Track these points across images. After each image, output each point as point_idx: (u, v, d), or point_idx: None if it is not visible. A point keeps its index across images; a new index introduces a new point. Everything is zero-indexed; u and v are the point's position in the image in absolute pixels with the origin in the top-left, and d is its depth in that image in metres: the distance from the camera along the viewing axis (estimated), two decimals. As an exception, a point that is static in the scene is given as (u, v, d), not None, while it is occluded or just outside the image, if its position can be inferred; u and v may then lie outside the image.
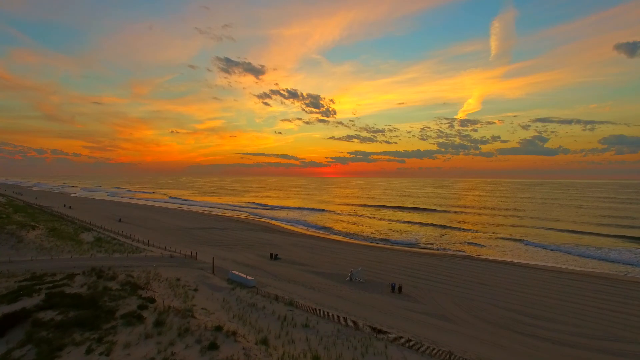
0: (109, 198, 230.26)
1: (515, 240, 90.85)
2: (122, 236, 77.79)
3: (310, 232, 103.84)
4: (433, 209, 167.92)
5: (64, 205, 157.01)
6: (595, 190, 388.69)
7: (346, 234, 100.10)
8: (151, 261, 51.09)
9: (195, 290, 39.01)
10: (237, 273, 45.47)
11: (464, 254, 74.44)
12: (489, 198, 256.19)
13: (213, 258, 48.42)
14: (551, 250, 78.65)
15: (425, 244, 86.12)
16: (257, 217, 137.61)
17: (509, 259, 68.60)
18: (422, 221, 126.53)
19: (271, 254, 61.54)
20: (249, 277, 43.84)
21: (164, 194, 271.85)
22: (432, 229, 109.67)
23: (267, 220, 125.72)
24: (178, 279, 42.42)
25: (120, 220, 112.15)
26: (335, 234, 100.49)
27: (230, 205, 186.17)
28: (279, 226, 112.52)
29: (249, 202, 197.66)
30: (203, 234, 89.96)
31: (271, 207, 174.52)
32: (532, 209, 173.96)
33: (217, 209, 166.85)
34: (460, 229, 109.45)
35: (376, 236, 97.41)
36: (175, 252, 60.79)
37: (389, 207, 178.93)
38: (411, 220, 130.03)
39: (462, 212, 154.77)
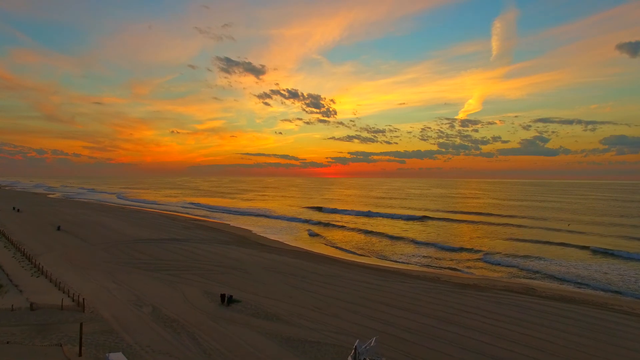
0: (78, 199, 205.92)
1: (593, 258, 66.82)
2: (22, 257, 53.81)
3: (296, 244, 79.86)
4: (443, 217, 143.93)
5: (13, 208, 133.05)
6: (615, 191, 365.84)
7: (343, 248, 76.13)
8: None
9: None
10: (116, 364, 21.37)
11: (521, 284, 50.40)
12: (501, 201, 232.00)
13: (81, 325, 24.33)
14: None
15: (452, 265, 62.29)
16: (234, 224, 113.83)
17: (606, 297, 44.55)
18: (434, 229, 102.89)
19: (222, 296, 37.32)
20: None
21: (111, 194, 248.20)
22: (447, 240, 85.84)
23: (245, 228, 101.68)
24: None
25: (59, 229, 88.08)
26: (329, 248, 76.61)
27: (210, 208, 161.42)
28: (257, 236, 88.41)
29: (236, 207, 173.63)
30: (151, 249, 65.87)
31: (251, 212, 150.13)
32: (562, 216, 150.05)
33: (192, 211, 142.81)
34: (476, 251, 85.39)
35: (382, 250, 73.47)
36: (67, 291, 36.78)
37: (394, 212, 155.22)
38: (422, 227, 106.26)
39: (481, 222, 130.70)
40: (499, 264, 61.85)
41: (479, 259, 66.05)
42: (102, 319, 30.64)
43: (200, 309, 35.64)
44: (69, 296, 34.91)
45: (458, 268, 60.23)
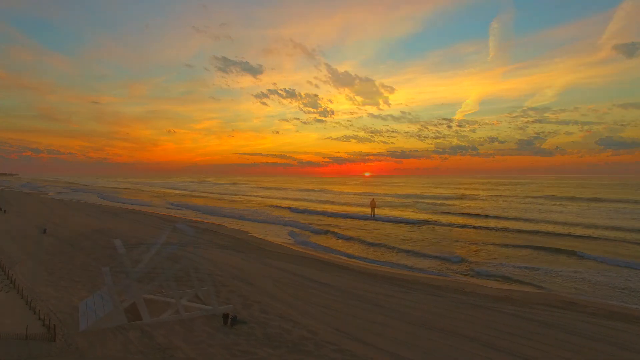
0: (71, 199, 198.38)
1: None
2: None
3: (299, 248, 74.16)
4: (446, 221, 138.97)
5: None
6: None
7: (349, 254, 70.36)
8: None
9: None
10: None
11: (559, 296, 45.10)
12: (505, 202, 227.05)
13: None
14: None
15: (469, 273, 56.99)
16: (231, 226, 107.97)
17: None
18: (438, 233, 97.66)
19: (225, 316, 31.73)
20: None
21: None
22: (455, 245, 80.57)
23: (242, 230, 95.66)
24: None
25: (45, 232, 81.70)
26: (334, 254, 71.00)
27: (203, 209, 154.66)
28: (256, 239, 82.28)
29: (230, 207, 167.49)
30: (143, 255, 59.74)
31: (246, 214, 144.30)
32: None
33: (185, 212, 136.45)
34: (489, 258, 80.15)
35: (391, 255, 67.97)
36: (38, 312, 31.00)
37: (394, 214, 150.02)
38: (425, 230, 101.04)
39: (488, 226, 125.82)
40: (519, 277, 56.58)
41: (500, 266, 60.77)
42: (77, 350, 24.87)
43: (199, 332, 29.95)
44: (39, 318, 29.07)
45: (479, 276, 54.97)
